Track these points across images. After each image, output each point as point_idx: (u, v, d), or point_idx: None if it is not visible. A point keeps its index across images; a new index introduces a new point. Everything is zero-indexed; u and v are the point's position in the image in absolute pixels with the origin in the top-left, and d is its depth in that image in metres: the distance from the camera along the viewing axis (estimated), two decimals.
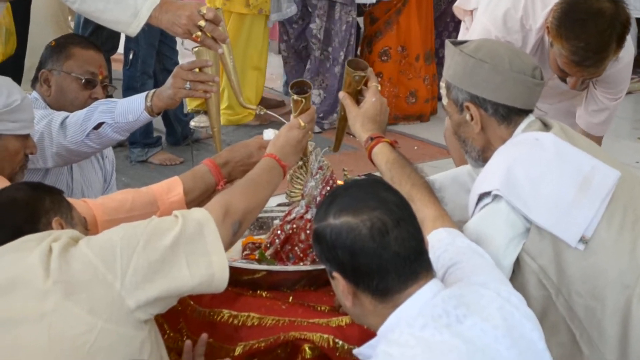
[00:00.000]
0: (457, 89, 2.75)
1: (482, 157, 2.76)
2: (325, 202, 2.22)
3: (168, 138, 6.58)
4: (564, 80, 3.49)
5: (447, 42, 2.82)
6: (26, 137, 2.99)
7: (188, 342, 2.60)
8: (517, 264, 2.59)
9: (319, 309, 2.65)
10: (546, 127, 2.73)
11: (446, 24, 7.59)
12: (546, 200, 2.57)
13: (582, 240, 2.56)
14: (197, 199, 2.87)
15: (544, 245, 2.58)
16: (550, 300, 2.61)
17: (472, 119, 2.73)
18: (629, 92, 7.84)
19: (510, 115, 2.72)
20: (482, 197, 2.63)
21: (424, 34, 7.22)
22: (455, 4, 4.22)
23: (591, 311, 2.59)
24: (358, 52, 7.31)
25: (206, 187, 2.91)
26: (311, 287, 2.75)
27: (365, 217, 2.13)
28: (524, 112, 2.73)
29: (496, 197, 2.59)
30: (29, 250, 2.23)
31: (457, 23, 4.28)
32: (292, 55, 7.25)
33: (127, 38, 5.86)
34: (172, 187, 2.85)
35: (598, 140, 3.88)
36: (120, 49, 6.45)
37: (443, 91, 2.82)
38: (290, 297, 2.70)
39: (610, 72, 3.61)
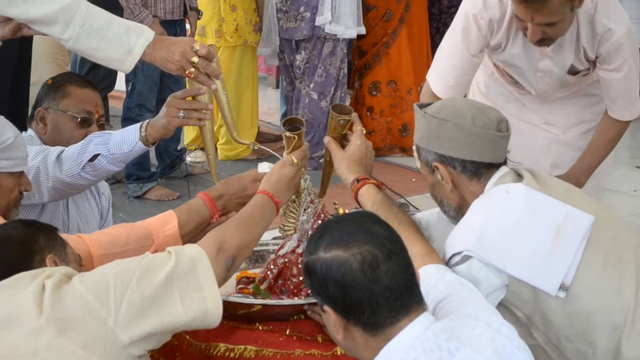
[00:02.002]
0: (425, 150, 2.76)
1: (460, 214, 2.75)
2: (315, 235, 2.23)
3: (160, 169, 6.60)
4: (526, 35, 3.50)
5: (414, 106, 2.83)
6: (20, 174, 2.99)
7: None
8: (506, 314, 2.57)
9: (318, 339, 2.65)
10: (519, 177, 2.72)
11: None
12: (521, 253, 2.56)
13: (562, 288, 2.54)
14: (192, 232, 2.88)
15: (525, 296, 2.58)
16: (540, 348, 2.61)
17: (442, 178, 2.74)
18: None
19: (480, 170, 2.72)
20: (453, 255, 2.62)
21: (417, 66, 7.21)
22: None
23: (582, 354, 2.59)
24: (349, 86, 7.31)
25: (201, 220, 2.91)
26: (307, 317, 2.74)
27: (355, 250, 2.14)
28: (494, 166, 2.73)
29: (467, 257, 2.58)
30: (22, 287, 2.24)
31: None
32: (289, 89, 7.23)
33: None
34: (167, 220, 2.85)
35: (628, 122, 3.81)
36: (118, 85, 6.48)
37: (415, 154, 2.83)
38: (288, 329, 2.69)
39: (606, 47, 3.57)
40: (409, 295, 2.16)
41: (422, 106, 2.81)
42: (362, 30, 6.89)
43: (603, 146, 3.71)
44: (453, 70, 3.72)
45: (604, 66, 3.65)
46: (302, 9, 6.70)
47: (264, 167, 3.02)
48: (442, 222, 2.93)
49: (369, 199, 2.80)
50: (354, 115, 3.00)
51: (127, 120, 5.99)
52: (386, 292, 2.13)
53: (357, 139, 2.95)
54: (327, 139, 2.99)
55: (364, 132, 2.99)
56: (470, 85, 3.90)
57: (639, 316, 2.56)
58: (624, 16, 3.63)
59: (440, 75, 3.79)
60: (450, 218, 2.83)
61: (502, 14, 3.62)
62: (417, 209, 3.09)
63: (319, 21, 6.67)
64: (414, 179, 6.67)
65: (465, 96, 3.88)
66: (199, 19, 6.36)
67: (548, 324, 2.59)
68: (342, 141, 3.00)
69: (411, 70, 7.19)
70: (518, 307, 2.60)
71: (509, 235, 2.58)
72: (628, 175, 6.45)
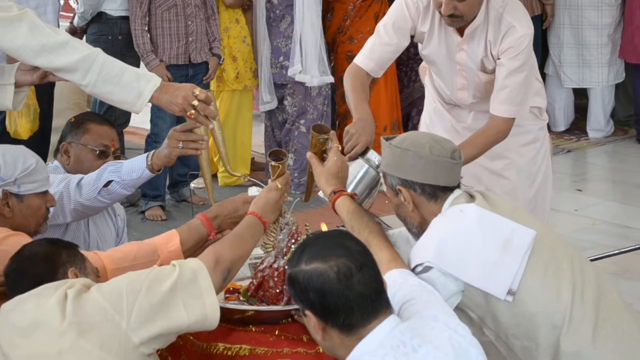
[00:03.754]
0: (390, 176, 2.79)
1: (421, 231, 2.77)
2: (297, 250, 2.26)
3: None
4: (441, 13, 3.54)
5: (381, 139, 2.87)
6: (45, 193, 2.98)
7: None
8: (461, 316, 2.58)
9: (304, 339, 2.66)
10: (472, 198, 2.75)
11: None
12: (474, 263, 2.58)
13: (510, 292, 2.56)
14: (192, 248, 2.89)
15: (478, 301, 2.60)
16: (491, 344, 2.63)
17: (405, 199, 2.77)
18: (568, 150, 7.88)
19: (437, 193, 2.74)
20: (415, 266, 2.64)
21: (390, 105, 7.21)
22: (421, 64, 4.22)
23: (527, 350, 2.61)
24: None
25: (200, 237, 2.92)
26: (294, 320, 2.74)
27: (332, 263, 2.16)
28: (449, 189, 2.75)
29: (427, 267, 2.60)
30: (48, 296, 2.27)
31: None
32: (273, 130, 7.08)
33: None
34: (171, 238, 2.87)
35: (506, 124, 3.65)
36: (132, 122, 6.49)
37: (382, 180, 2.86)
38: (277, 331, 2.70)
39: (508, 42, 3.56)
40: (378, 300, 2.18)
41: (387, 139, 2.85)
42: (328, 79, 6.76)
43: (470, 146, 3.58)
44: (380, 45, 3.73)
45: (501, 60, 3.61)
46: (281, 58, 6.62)
47: (253, 191, 3.04)
48: (401, 237, 2.97)
49: (344, 208, 2.84)
50: (332, 133, 3.03)
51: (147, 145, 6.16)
52: (359, 298, 2.15)
53: (334, 155, 2.98)
54: (309, 154, 3.02)
55: (340, 148, 3.03)
56: (387, 68, 3.88)
57: (575, 317, 2.58)
58: (529, 22, 3.63)
59: (367, 48, 3.79)
60: (413, 234, 2.85)
61: (429, 2, 3.66)
62: (389, 226, 3.11)
63: (290, 72, 6.57)
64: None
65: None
66: (220, 64, 6.36)
67: (498, 324, 2.61)
68: (322, 156, 3.03)
69: (387, 110, 7.17)
70: (472, 309, 2.62)
71: (464, 248, 2.61)
72: (570, 197, 6.51)
